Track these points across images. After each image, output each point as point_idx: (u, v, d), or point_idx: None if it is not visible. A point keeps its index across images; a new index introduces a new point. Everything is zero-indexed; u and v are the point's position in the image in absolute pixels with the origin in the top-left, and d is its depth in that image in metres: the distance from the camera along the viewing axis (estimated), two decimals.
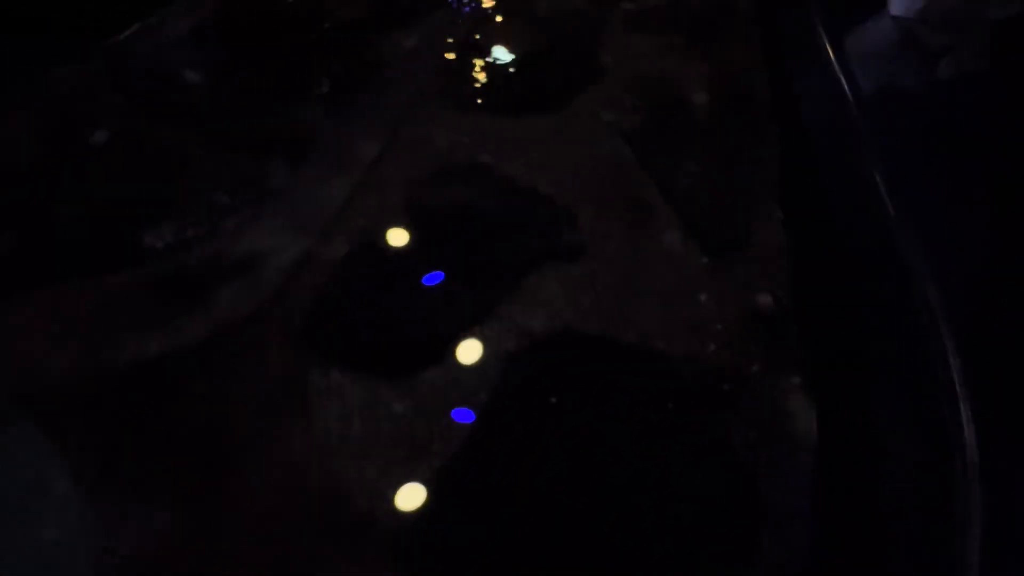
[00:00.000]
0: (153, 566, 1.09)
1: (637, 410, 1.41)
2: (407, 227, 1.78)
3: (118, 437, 1.30)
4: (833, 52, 1.90)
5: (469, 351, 1.49)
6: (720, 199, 1.96)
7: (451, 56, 2.48)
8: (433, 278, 1.64)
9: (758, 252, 1.80)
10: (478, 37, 2.64)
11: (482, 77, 2.41)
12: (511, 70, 2.46)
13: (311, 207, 1.87)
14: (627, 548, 1.22)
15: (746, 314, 1.63)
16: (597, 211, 1.87)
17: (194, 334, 1.51)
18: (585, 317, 1.60)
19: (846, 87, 1.68)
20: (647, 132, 2.21)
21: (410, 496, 1.23)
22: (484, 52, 2.52)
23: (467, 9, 2.76)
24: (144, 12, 2.42)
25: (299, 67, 2.38)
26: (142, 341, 1.50)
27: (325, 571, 1.13)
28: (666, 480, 1.31)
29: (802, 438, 1.37)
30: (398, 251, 1.72)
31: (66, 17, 2.30)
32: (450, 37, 2.59)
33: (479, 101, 2.26)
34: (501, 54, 2.54)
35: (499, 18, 2.77)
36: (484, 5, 2.82)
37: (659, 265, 1.76)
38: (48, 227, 1.73)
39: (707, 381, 1.48)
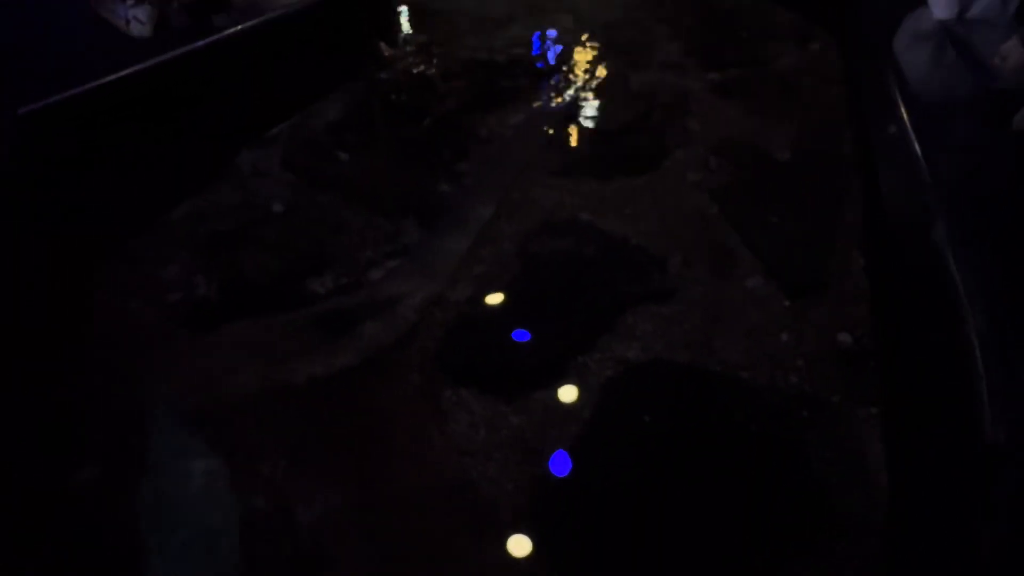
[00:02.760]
0: (328, 534, 1.41)
1: (722, 430, 1.60)
2: (520, 273, 2.09)
3: (293, 440, 1.66)
4: (904, 102, 2.04)
5: (574, 374, 1.75)
6: (801, 246, 2.13)
7: (552, 130, 2.85)
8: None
9: (838, 295, 1.96)
10: (579, 110, 3.01)
11: (581, 146, 2.75)
12: (607, 139, 2.78)
13: (439, 259, 2.24)
14: (713, 556, 1.39)
15: (826, 350, 1.79)
16: (685, 259, 2.11)
17: (347, 360, 1.88)
18: (675, 349, 1.82)
19: (914, 141, 1.83)
20: (730, 188, 2.44)
21: (525, 489, 1.48)
22: (583, 124, 2.88)
23: (567, 88, 3.15)
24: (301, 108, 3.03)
25: (425, 145, 2.83)
26: (308, 365, 1.88)
27: (455, 547, 1.39)
28: (750, 494, 1.48)
29: (874, 459, 1.50)
30: (513, 292, 2.03)
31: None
32: (551, 113, 2.97)
33: (579, 167, 2.59)
34: (598, 125, 2.88)
35: (596, 94, 3.13)
36: (582, 84, 3.21)
37: (743, 306, 1.95)
38: (239, 276, 2.20)
39: (788, 408, 1.64)
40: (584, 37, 3.72)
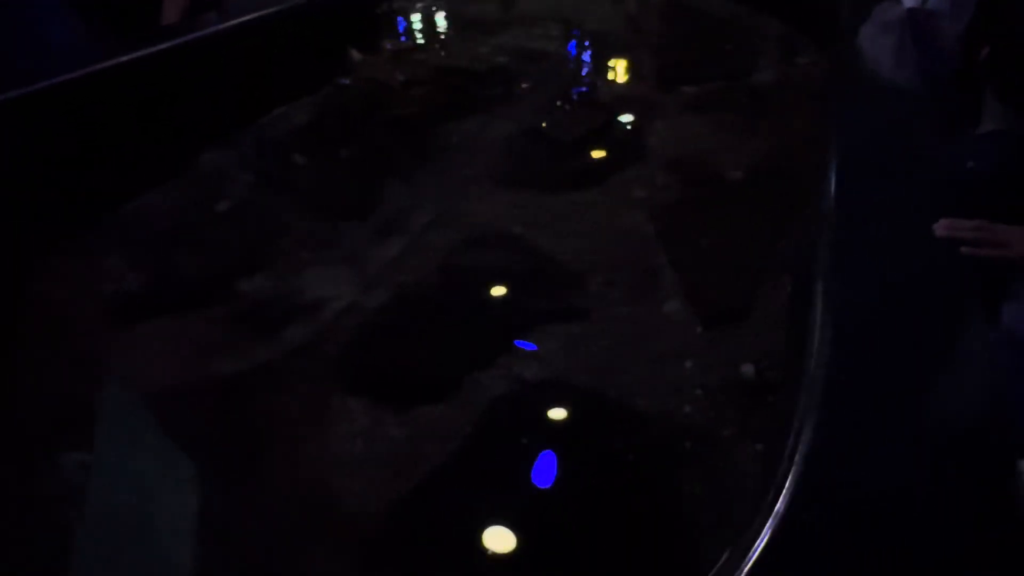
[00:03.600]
0: (176, 536, 1.43)
1: (599, 457, 1.55)
2: (437, 285, 2.09)
3: (171, 439, 1.68)
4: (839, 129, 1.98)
5: (467, 390, 1.73)
6: (729, 271, 2.06)
7: (512, 141, 2.83)
8: None
9: (756, 323, 1.89)
10: (543, 121, 2.98)
11: (535, 159, 2.72)
12: (563, 152, 2.75)
13: (368, 265, 2.24)
14: None
15: (728, 381, 1.72)
16: (607, 279, 2.06)
17: (251, 362, 1.90)
18: (574, 371, 1.78)
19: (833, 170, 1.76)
20: (672, 208, 2.38)
21: (385, 507, 1.47)
22: (542, 137, 2.85)
23: (532, 98, 3.12)
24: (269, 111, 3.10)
25: (382, 152, 2.85)
26: (214, 364, 1.91)
27: (300, 563, 1.39)
28: (609, 528, 1.44)
29: (750, 497, 1.43)
30: (426, 304, 2.02)
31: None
32: (515, 123, 2.95)
33: (526, 180, 2.57)
34: (560, 136, 2.85)
35: (564, 105, 3.10)
36: (553, 94, 3.18)
37: (654, 331, 1.90)
38: (172, 273, 2.26)
39: (672, 439, 1.59)
40: (568, 47, 3.70)
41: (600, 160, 2.70)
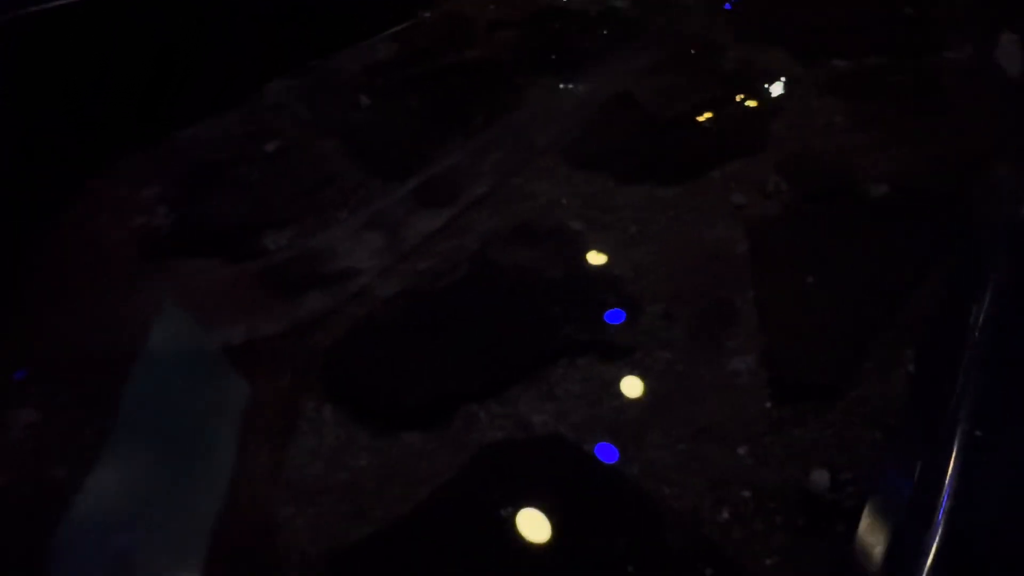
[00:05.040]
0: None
1: (591, 557, 1.23)
2: (463, 280, 1.78)
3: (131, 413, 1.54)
4: None
5: (458, 427, 1.45)
6: (832, 328, 1.57)
7: (601, 105, 2.38)
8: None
9: (849, 410, 1.42)
10: (644, 85, 2.49)
11: (621, 133, 2.26)
12: (658, 129, 2.27)
13: (402, 237, 1.97)
14: None
15: (789, 488, 1.31)
16: (666, 310, 1.65)
17: (254, 334, 1.72)
18: (594, 429, 1.43)
19: None
20: (779, 225, 1.87)
21: (331, 559, 1.26)
22: (637, 107, 2.37)
23: (637, 55, 2.60)
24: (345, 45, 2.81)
25: (454, 102, 2.50)
26: (217, 330, 1.75)
27: None
28: None
29: None
30: (443, 303, 1.73)
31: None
32: (609, 85, 2.48)
33: (604, 160, 2.13)
34: (657, 109, 2.35)
35: (674, 66, 2.56)
36: (664, 51, 2.63)
37: (709, 394, 1.49)
38: (202, 214, 2.11)
39: (693, 555, 1.22)
40: None
41: (700, 146, 2.19)
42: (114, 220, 2.09)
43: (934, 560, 0.91)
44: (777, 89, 2.44)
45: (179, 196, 2.14)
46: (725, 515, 1.28)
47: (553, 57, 2.66)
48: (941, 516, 0.97)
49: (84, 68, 2.20)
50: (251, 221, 2.07)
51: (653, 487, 1.32)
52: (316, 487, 1.36)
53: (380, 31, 2.87)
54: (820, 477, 1.29)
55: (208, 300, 1.85)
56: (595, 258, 1.80)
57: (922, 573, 0.91)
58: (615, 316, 1.64)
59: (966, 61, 2.55)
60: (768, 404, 1.45)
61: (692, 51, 2.66)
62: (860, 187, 1.97)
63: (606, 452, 1.39)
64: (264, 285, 1.89)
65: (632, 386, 1.51)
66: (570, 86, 2.51)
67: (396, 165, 2.26)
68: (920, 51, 2.60)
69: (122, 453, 1.43)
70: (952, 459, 1.06)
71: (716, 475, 1.34)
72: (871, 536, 1.06)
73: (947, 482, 1.01)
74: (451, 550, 1.24)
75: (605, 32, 2.83)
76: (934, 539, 0.95)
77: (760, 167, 2.07)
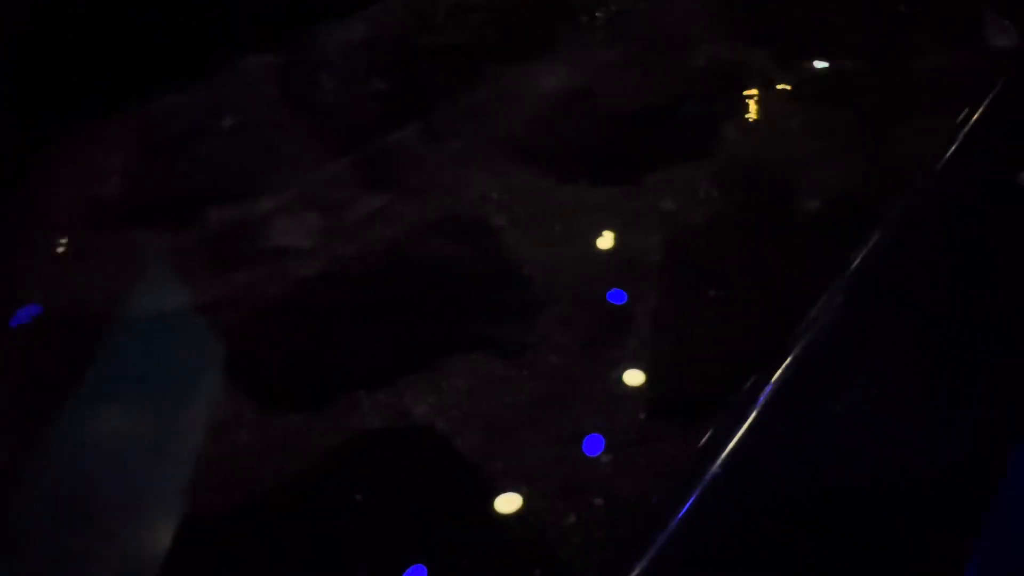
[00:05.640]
0: None
1: (428, 552, 1.29)
2: (377, 269, 1.82)
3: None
4: None
5: (340, 411, 1.51)
6: (717, 346, 1.57)
7: (553, 99, 2.36)
8: None
9: (717, 430, 1.43)
10: (605, 79, 2.45)
11: (571, 129, 2.25)
12: (612, 127, 2.24)
13: (338, 218, 2.02)
14: None
15: (640, 502, 1.33)
16: (565, 314, 1.67)
17: (177, 304, 1.81)
18: (470, 423, 1.48)
19: None
20: (699, 234, 1.85)
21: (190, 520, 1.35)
22: (595, 101, 2.34)
23: (601, 47, 2.56)
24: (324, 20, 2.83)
25: (414, 87, 2.52)
26: (147, 297, 1.84)
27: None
28: None
29: None
30: (355, 288, 1.78)
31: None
32: (567, 77, 2.45)
33: (546, 157, 2.13)
34: (613, 105, 2.32)
35: (638, 62, 2.51)
36: (631, 47, 2.58)
37: (589, 402, 1.51)
38: (154, 185, 2.20)
39: (528, 555, 1.27)
40: None
41: (647, 147, 2.17)
42: (67, 188, 2.20)
43: None
44: (742, 90, 2.38)
45: (133, 167, 2.23)
46: (571, 519, 1.32)
47: (523, 44, 2.64)
48: None
49: (50, 34, 2.29)
50: (198, 194, 2.16)
51: (510, 485, 1.37)
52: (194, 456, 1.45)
53: (358, 9, 2.90)
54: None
55: (145, 270, 1.95)
56: (510, 256, 1.82)
57: None
58: (515, 316, 1.67)
59: (951, 66, 2.44)
60: (642, 416, 1.47)
61: (665, 45, 2.61)
62: (795, 200, 1.93)
63: (474, 447, 1.44)
64: (199, 259, 1.98)
65: (516, 386, 1.55)
66: (536, 75, 2.50)
67: (349, 148, 2.31)
68: (904, 54, 2.50)
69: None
70: None
71: (574, 480, 1.38)
72: None
73: None
74: (303, 530, 1.32)
75: (580, 20, 2.80)
76: None
77: (700, 174, 2.05)
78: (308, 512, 1.36)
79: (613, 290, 1.71)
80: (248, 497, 1.38)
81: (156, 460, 1.45)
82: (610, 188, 2.02)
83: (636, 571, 1.08)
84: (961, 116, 2.09)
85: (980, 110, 2.12)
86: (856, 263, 1.63)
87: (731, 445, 1.28)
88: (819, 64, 2.49)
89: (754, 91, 2.36)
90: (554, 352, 1.60)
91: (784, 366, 1.45)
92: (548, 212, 1.95)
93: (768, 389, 1.39)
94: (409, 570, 1.25)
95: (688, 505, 1.21)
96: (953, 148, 2.00)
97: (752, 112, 2.27)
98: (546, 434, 1.46)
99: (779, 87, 2.38)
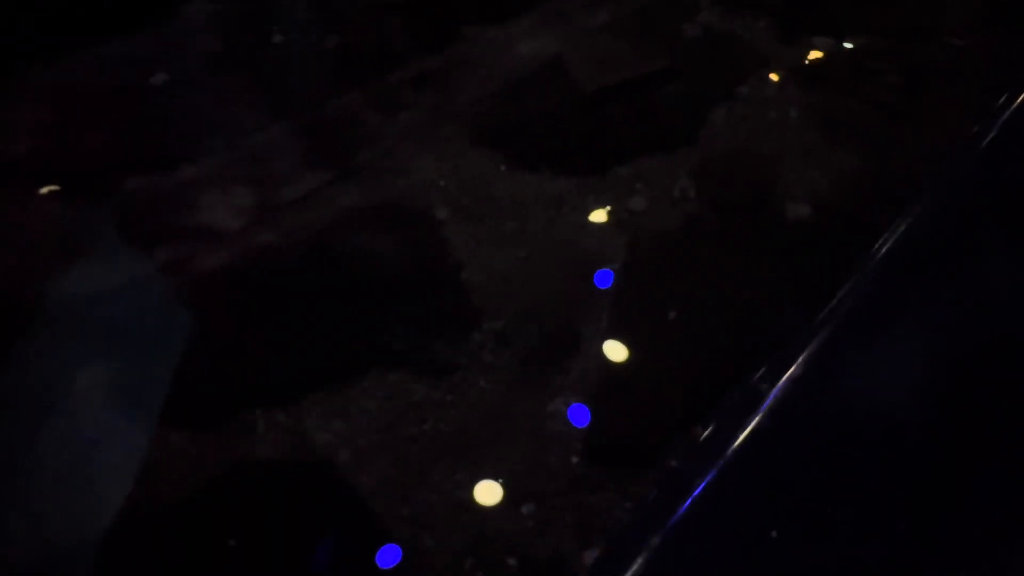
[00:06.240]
0: None
1: None
2: (295, 265, 1.60)
3: None
4: None
5: (231, 433, 1.32)
6: (670, 381, 1.36)
7: (519, 71, 2.08)
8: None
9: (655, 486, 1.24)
10: (584, 46, 2.16)
11: (538, 108, 1.98)
12: (581, 106, 1.98)
13: (270, 197, 1.80)
14: None
15: (558, 564, 1.15)
16: (503, 330, 1.46)
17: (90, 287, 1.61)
18: (378, 454, 1.29)
19: None
20: (668, 241, 1.62)
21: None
22: (565, 75, 2.06)
23: (583, 11, 2.26)
24: None
25: (369, 46, 2.25)
26: (50, 277, 1.64)
27: None
28: None
29: None
30: (264, 285, 1.57)
31: None
32: (539, 45, 2.17)
33: (500, 138, 1.88)
34: (583, 81, 2.05)
35: (627, 27, 2.22)
36: (620, 8, 2.28)
37: (516, 437, 1.32)
38: (66, 147, 1.96)
39: None
40: None
41: (618, 133, 1.91)
42: None
43: None
44: (737, 69, 2.10)
45: (47, 125, 1.99)
46: None
47: (500, 2, 2.35)
48: None
49: None
50: (117, 160, 1.93)
51: (413, 534, 1.20)
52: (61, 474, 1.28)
53: None
54: (591, 558, 1.14)
55: (43, 241, 1.74)
56: (449, 257, 1.60)
57: None
58: (446, 329, 1.46)
59: (970, 49, 2.15)
60: (574, 459, 1.28)
61: (658, 11, 2.31)
62: (779, 205, 1.69)
63: (377, 486, 1.26)
64: (109, 233, 1.77)
65: (436, 414, 1.35)
66: (510, 40, 2.22)
67: (291, 113, 2.05)
68: (920, 33, 2.20)
69: None
70: None
71: (487, 533, 1.20)
72: None
73: None
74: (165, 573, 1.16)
75: None
76: None
77: (677, 166, 1.80)
78: (165, 553, 1.19)
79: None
80: (95, 528, 1.20)
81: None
82: (574, 179, 1.77)
83: None
84: (1001, 101, 1.80)
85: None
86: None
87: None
88: (826, 41, 2.20)
89: (750, 70, 2.08)
90: (485, 375, 1.40)
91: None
92: (500, 205, 1.72)
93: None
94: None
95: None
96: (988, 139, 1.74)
97: (746, 95, 2.00)
98: (463, 475, 1.27)
99: (779, 67, 2.10)
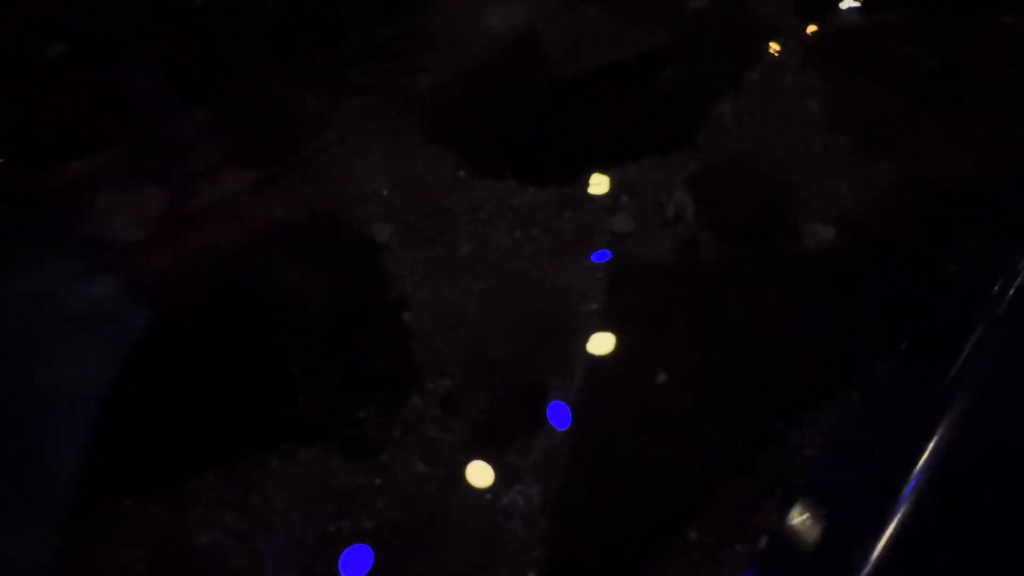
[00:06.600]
0: None
1: None
2: (191, 298, 1.29)
3: None
4: None
5: (92, 534, 1.04)
6: (658, 470, 1.08)
7: (486, 51, 1.73)
8: None
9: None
10: (547, 37, 1.79)
11: (507, 97, 1.64)
12: (556, 93, 1.63)
13: (183, 203, 1.48)
14: None
15: None
16: (454, 392, 1.16)
17: None
18: (276, 564, 1.02)
19: None
20: (658, 276, 1.31)
21: None
22: (535, 60, 1.71)
23: None
24: None
25: (313, 22, 1.88)
26: None
27: None
28: None
29: None
30: (157, 322, 1.26)
31: None
32: (510, 19, 1.80)
33: (460, 134, 1.54)
34: (558, 66, 1.68)
35: (616, 5, 1.85)
36: None
37: (462, 537, 1.03)
38: None
39: None
40: None
41: (600, 128, 1.58)
42: None
43: None
44: (747, 50, 1.76)
45: None
46: None
47: None
48: None
49: None
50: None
51: None
52: None
53: None
54: None
55: None
56: (388, 291, 1.29)
57: None
58: (377, 390, 1.17)
59: None
60: (530, 575, 1.01)
61: None
62: (796, 228, 1.38)
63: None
64: None
65: (359, 505, 1.07)
66: (481, 8, 1.85)
67: (215, 98, 1.71)
68: (966, 8, 1.85)
69: None
70: None
71: None
72: None
73: None
74: None
75: None
76: None
77: (673, 174, 1.48)
78: None
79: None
80: None
81: None
82: (546, 190, 1.45)
83: None
84: None
85: None
86: None
87: None
88: (852, 12, 1.85)
89: (763, 51, 1.74)
90: (425, 454, 1.11)
91: None
92: (455, 223, 1.39)
93: None
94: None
95: None
96: None
97: (757, 83, 1.67)
98: None
99: (797, 47, 1.76)
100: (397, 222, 1.39)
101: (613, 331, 1.20)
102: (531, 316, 1.25)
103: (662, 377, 1.15)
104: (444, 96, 1.65)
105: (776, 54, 1.69)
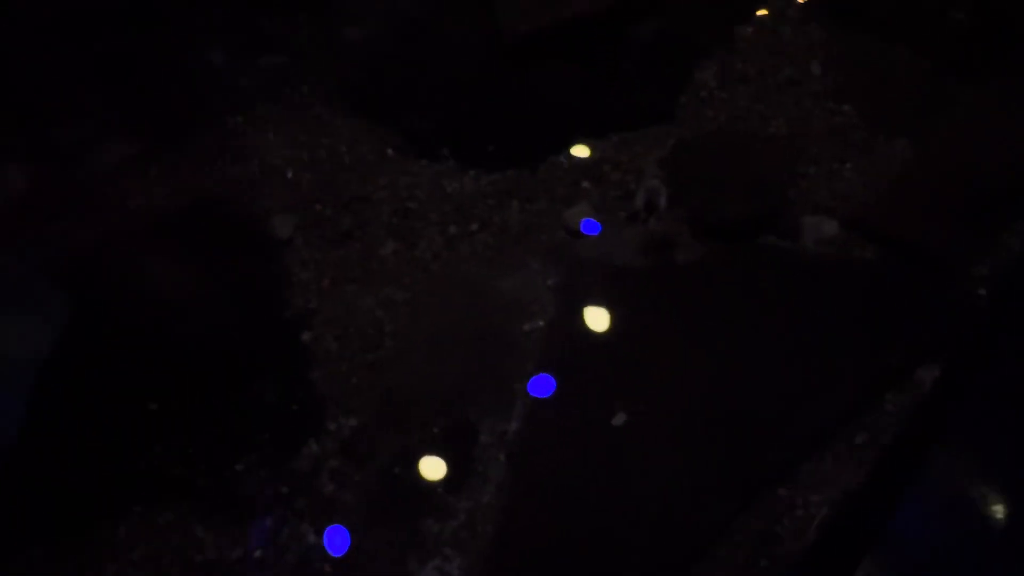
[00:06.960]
0: None
1: None
2: (64, 273, 1.02)
3: None
4: None
5: None
6: (607, 529, 0.86)
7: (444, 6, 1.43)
8: None
9: None
10: None
11: (451, 61, 1.35)
12: (508, 57, 1.34)
13: (49, 176, 1.21)
14: None
15: None
16: (366, 431, 0.93)
17: None
18: None
19: None
20: (621, 286, 1.07)
21: None
22: (483, 13, 1.39)
23: None
24: None
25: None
26: None
27: None
28: None
29: None
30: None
31: None
32: None
33: (403, 106, 1.27)
34: (509, 22, 1.37)
35: None
36: None
37: None
38: None
39: None
40: None
41: (556, 100, 1.29)
42: None
43: None
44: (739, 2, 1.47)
45: None
46: None
47: None
48: None
49: None
50: None
51: None
52: None
53: None
54: None
55: None
56: (288, 302, 1.04)
57: None
58: (262, 435, 0.93)
59: None
60: None
61: None
62: (791, 220, 1.13)
63: None
64: None
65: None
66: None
67: (96, 52, 1.40)
68: None
69: None
70: None
71: None
72: None
73: None
74: None
75: None
76: None
77: (643, 152, 1.22)
78: None
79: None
80: None
81: None
82: (490, 174, 1.19)
83: None
84: None
85: None
86: None
87: None
88: None
89: (759, 6, 1.46)
90: (317, 519, 0.88)
91: None
92: (376, 214, 1.14)
93: None
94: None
95: None
96: None
97: (749, 40, 1.39)
98: None
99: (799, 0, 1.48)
100: (303, 213, 1.13)
101: (562, 357, 0.97)
102: (464, 337, 1.01)
103: (620, 418, 0.92)
104: (374, 52, 1.37)
105: (791, 10, 1.41)
